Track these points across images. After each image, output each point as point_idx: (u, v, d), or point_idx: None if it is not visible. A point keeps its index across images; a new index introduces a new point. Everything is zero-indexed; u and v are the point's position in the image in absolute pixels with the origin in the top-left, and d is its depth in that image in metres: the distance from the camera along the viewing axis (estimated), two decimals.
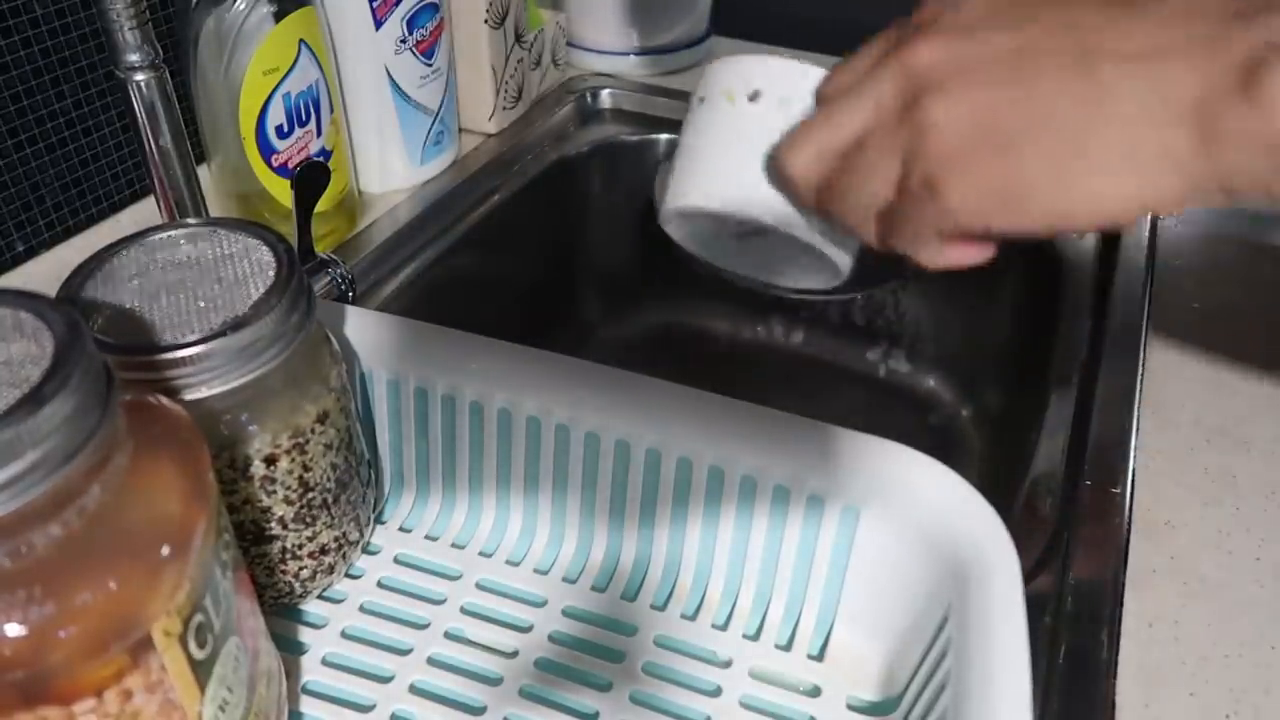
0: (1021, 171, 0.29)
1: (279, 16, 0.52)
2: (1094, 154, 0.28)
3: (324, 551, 0.38)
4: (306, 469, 0.35)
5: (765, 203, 0.37)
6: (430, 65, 0.64)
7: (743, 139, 0.37)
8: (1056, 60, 0.28)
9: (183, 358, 0.30)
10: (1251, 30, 0.26)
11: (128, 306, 0.32)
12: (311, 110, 0.55)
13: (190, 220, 0.38)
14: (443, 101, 0.66)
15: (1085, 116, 0.28)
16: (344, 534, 0.38)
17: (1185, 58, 0.27)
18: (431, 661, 0.37)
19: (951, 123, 0.30)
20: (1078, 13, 0.29)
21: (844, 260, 0.39)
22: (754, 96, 0.37)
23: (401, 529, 0.43)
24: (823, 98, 0.36)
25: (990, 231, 0.31)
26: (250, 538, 0.35)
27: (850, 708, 0.36)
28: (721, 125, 0.38)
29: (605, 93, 0.80)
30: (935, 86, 0.30)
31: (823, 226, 0.37)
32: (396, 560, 0.41)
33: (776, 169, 0.36)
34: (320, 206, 0.49)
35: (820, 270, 0.41)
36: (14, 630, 0.22)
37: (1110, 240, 0.63)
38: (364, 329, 0.41)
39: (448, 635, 0.38)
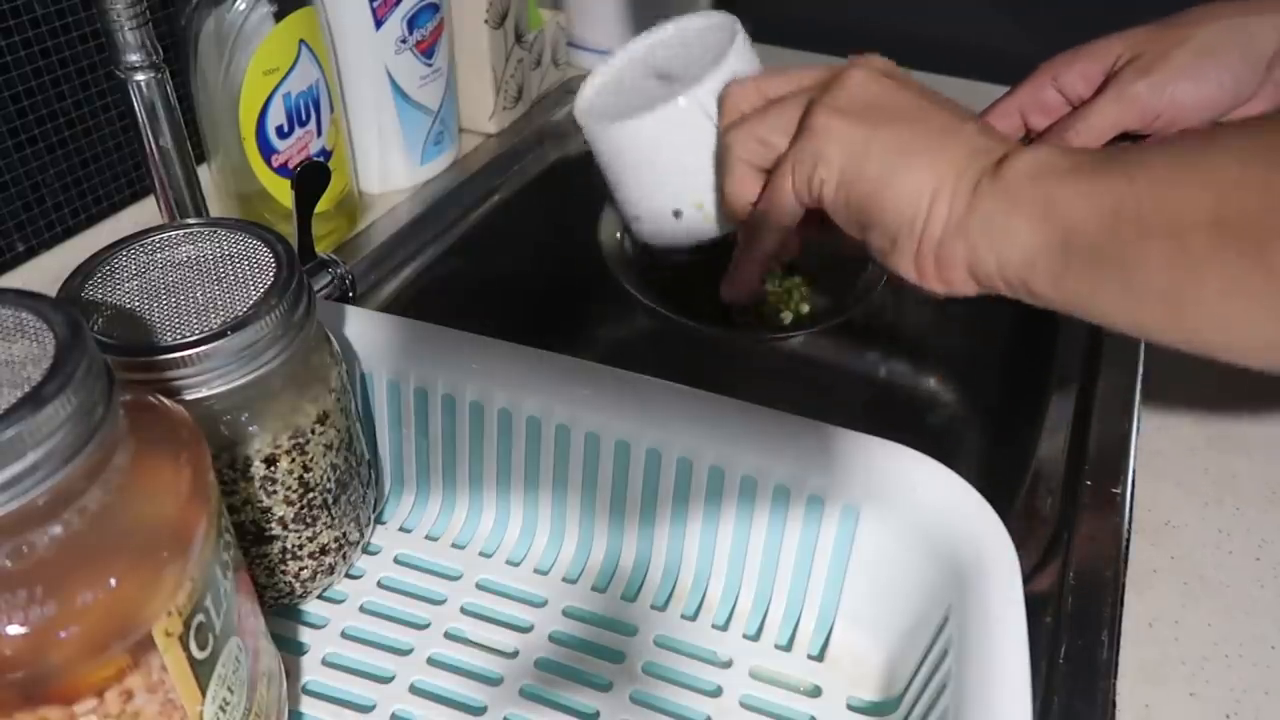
0: (869, 143, 0.40)
1: (279, 16, 0.52)
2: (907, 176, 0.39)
3: (324, 552, 0.38)
4: (307, 469, 0.35)
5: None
6: (430, 65, 0.64)
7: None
8: (902, 114, 0.41)
9: (183, 358, 0.30)
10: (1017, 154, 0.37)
11: (128, 306, 0.32)
12: (312, 110, 0.55)
13: (190, 220, 0.38)
14: (443, 101, 0.66)
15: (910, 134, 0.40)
16: (344, 534, 0.38)
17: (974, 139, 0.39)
18: (432, 661, 0.37)
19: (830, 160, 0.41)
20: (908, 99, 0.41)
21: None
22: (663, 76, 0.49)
23: (402, 529, 0.43)
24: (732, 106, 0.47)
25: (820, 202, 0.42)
26: (250, 538, 0.35)
27: (850, 708, 0.36)
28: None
29: None
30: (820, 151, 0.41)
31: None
32: (397, 560, 0.41)
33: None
34: (320, 206, 0.49)
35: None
36: (15, 630, 0.22)
37: None
38: (364, 329, 0.41)
39: (448, 635, 0.38)
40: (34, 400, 0.21)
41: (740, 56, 0.47)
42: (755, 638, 0.39)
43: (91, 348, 0.23)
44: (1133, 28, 0.49)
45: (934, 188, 0.37)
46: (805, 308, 0.54)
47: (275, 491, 0.34)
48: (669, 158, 0.48)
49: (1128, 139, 0.48)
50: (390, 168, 0.65)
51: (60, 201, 0.54)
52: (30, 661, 0.22)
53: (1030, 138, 0.53)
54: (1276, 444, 0.48)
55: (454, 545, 0.42)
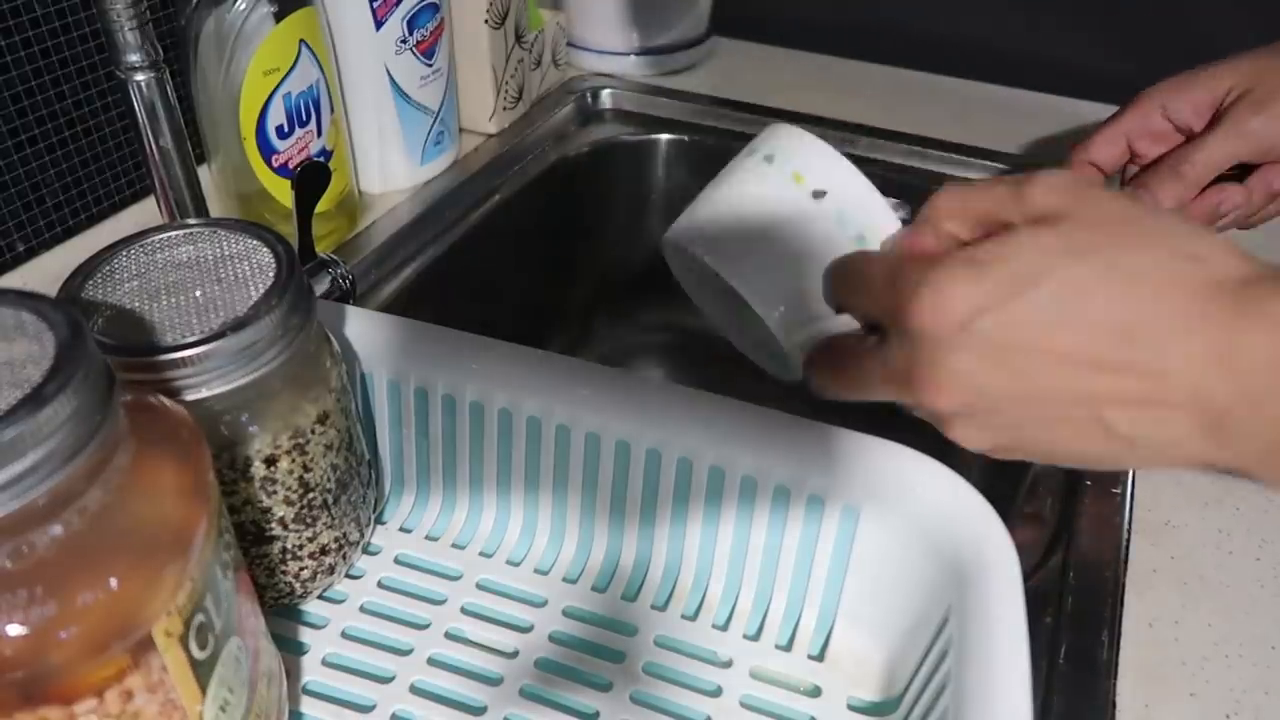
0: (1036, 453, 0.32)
1: (279, 17, 0.52)
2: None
3: (324, 552, 0.38)
4: (307, 469, 0.35)
5: (769, 295, 0.37)
6: (430, 65, 0.64)
7: (785, 226, 0.37)
8: (1070, 413, 0.30)
9: (183, 358, 0.30)
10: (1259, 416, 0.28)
11: (128, 307, 0.32)
12: (312, 110, 0.55)
13: (190, 220, 0.38)
14: (443, 101, 0.66)
15: (1114, 462, 0.31)
16: (344, 534, 0.38)
17: (1181, 409, 0.28)
18: (432, 661, 0.37)
19: (977, 444, 0.32)
20: (1079, 352, 0.29)
21: (797, 370, 0.39)
22: (819, 195, 0.37)
23: (402, 529, 0.43)
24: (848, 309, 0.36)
25: None
26: (251, 538, 0.35)
27: (851, 708, 0.36)
28: (772, 200, 0.37)
29: (605, 93, 0.80)
30: (955, 421, 0.32)
31: (802, 341, 0.37)
32: (397, 560, 0.41)
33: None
34: (321, 207, 0.49)
35: (771, 363, 0.41)
36: (15, 630, 0.22)
37: None
38: (364, 329, 0.41)
39: (448, 635, 0.38)
40: (34, 400, 0.21)
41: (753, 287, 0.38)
42: (755, 638, 0.39)
43: (91, 348, 0.23)
44: (1238, 55, 0.50)
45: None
46: None
47: (275, 492, 0.34)
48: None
49: (1239, 169, 0.50)
50: (390, 168, 0.65)
51: (60, 201, 0.54)
52: (30, 661, 0.22)
53: (1137, 164, 0.53)
54: None
55: (454, 545, 0.42)
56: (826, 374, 0.36)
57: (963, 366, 0.30)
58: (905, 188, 0.41)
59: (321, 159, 0.57)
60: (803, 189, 0.37)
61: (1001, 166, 0.70)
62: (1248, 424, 0.28)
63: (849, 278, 0.35)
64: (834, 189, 0.37)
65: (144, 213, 0.59)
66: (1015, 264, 0.30)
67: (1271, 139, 0.48)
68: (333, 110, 0.57)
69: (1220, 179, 0.50)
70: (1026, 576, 0.33)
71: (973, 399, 0.31)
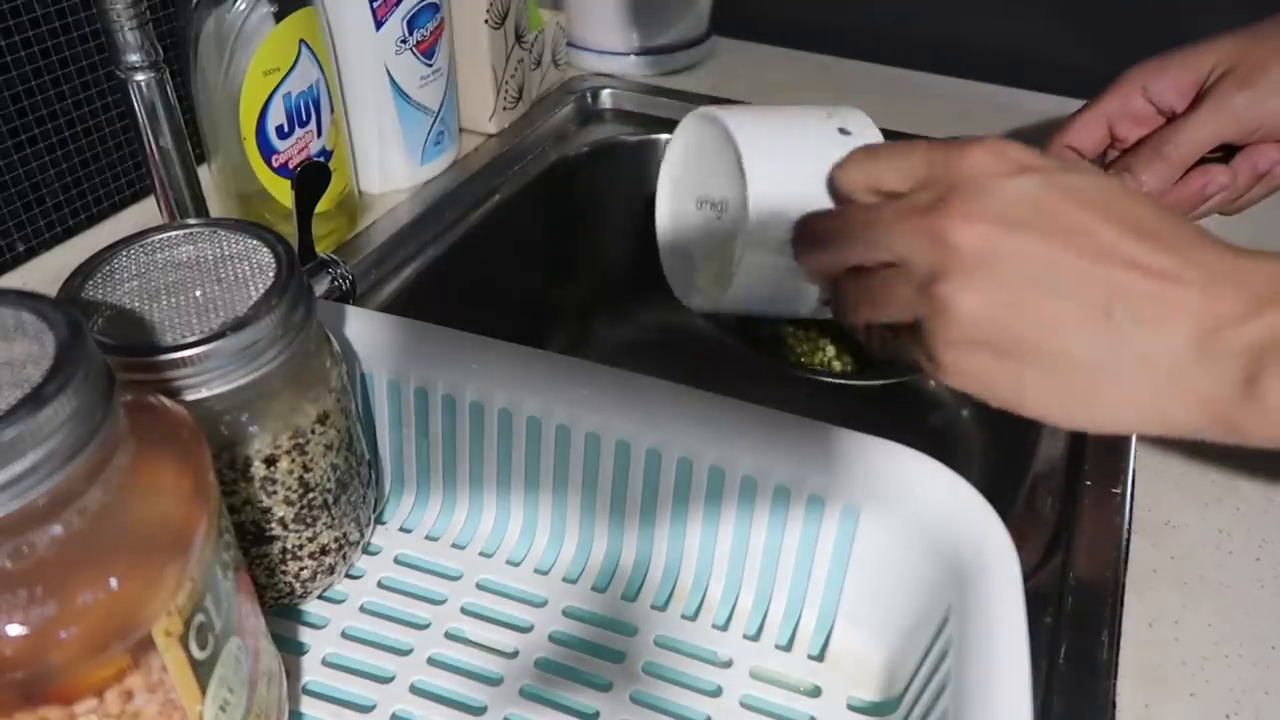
0: (1020, 381, 0.32)
1: (279, 16, 0.52)
2: (1100, 404, 0.31)
3: (324, 552, 0.38)
4: (307, 469, 0.35)
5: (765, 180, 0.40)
6: (430, 65, 0.64)
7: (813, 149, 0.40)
8: (1081, 290, 0.31)
9: (183, 358, 0.30)
10: (1255, 325, 0.29)
11: (128, 307, 0.32)
12: (312, 110, 0.55)
13: (190, 220, 0.38)
14: (443, 101, 0.66)
15: (1095, 366, 0.31)
16: (344, 534, 0.38)
17: (1185, 311, 0.30)
18: (432, 662, 0.37)
19: (967, 313, 0.32)
20: (1108, 236, 0.31)
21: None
22: (844, 130, 0.41)
23: (402, 529, 0.43)
24: (855, 191, 0.37)
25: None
26: (251, 538, 0.35)
27: (851, 708, 0.36)
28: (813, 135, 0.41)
29: (605, 93, 0.80)
30: (962, 270, 0.32)
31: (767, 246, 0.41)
32: (397, 560, 0.41)
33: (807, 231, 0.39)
34: (321, 207, 0.49)
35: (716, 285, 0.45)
36: (15, 630, 0.22)
37: None
38: (364, 329, 0.41)
39: (448, 635, 0.38)
40: (34, 400, 0.21)
41: (756, 165, 0.41)
42: (755, 638, 0.39)
43: (91, 348, 0.23)
44: (1219, 35, 0.49)
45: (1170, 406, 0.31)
46: (836, 365, 0.52)
47: (275, 492, 0.34)
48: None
49: (1224, 149, 0.48)
50: (390, 168, 0.65)
51: (60, 201, 0.54)
52: (30, 661, 0.22)
53: (1119, 148, 0.52)
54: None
55: (454, 545, 0.42)
56: (826, 228, 0.37)
57: (999, 204, 0.31)
58: None
59: (321, 159, 0.57)
60: (831, 126, 0.41)
61: None
62: (1236, 345, 0.29)
63: (879, 153, 0.37)
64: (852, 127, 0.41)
65: (144, 213, 0.59)
66: (1061, 163, 0.33)
67: (1257, 118, 0.47)
68: (333, 110, 0.57)
69: (1204, 161, 0.48)
70: (1026, 576, 0.33)
71: (997, 239, 0.31)
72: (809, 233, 0.39)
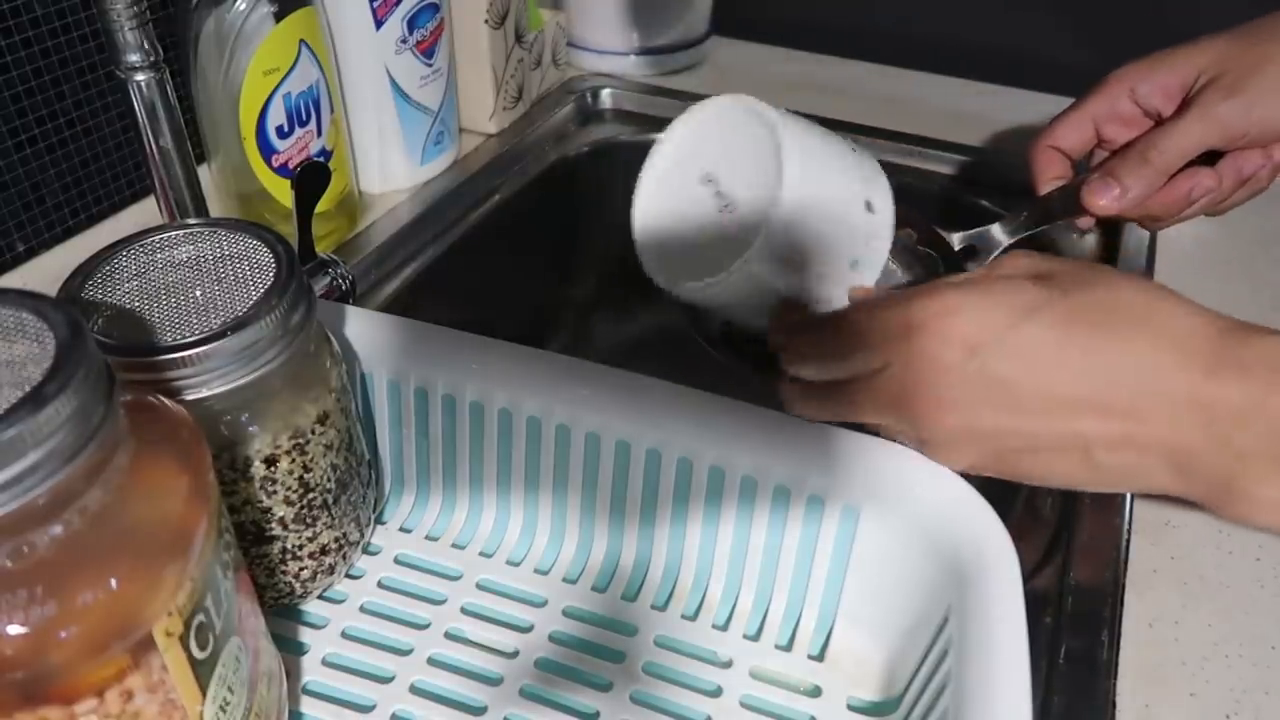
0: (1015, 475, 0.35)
1: (279, 16, 0.52)
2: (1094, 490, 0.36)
3: (324, 552, 0.38)
4: (307, 469, 0.35)
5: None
6: (430, 65, 0.64)
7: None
8: (1058, 445, 0.33)
9: (183, 358, 0.30)
10: (1223, 457, 0.31)
11: (128, 307, 0.32)
12: (312, 110, 0.55)
13: (190, 220, 0.38)
14: (443, 101, 0.66)
15: (1085, 484, 0.35)
16: (344, 534, 0.38)
17: (1155, 450, 0.32)
18: (432, 662, 0.37)
19: (956, 464, 0.35)
20: (1067, 390, 0.33)
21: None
22: (869, 207, 0.40)
23: (402, 529, 0.43)
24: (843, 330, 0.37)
25: None
26: (251, 538, 0.35)
27: (851, 708, 0.36)
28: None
29: (605, 93, 0.80)
30: (943, 447, 0.35)
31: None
32: (397, 560, 0.41)
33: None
34: (321, 207, 0.49)
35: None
36: (15, 630, 0.22)
37: (1110, 239, 0.63)
38: (364, 329, 0.41)
39: (448, 635, 0.38)
40: (34, 400, 0.21)
41: (793, 174, 0.39)
42: (755, 638, 0.39)
43: (92, 348, 0.23)
44: (1206, 37, 0.49)
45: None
46: None
47: (275, 492, 0.34)
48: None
49: (1208, 155, 0.49)
50: (390, 168, 0.65)
51: (60, 201, 0.54)
52: (30, 661, 0.22)
53: (1105, 149, 0.53)
54: None
55: (454, 545, 0.42)
56: (811, 401, 0.38)
57: (961, 394, 0.33)
58: (903, 188, 0.41)
59: (321, 159, 0.57)
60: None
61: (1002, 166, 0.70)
62: (1210, 463, 0.31)
63: (847, 313, 0.37)
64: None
65: (144, 213, 0.59)
66: (1017, 297, 0.33)
67: (1243, 126, 0.47)
68: (333, 110, 0.57)
69: (1190, 164, 0.48)
70: (1026, 577, 0.33)
71: (972, 425, 0.33)
72: (790, 340, 0.39)
